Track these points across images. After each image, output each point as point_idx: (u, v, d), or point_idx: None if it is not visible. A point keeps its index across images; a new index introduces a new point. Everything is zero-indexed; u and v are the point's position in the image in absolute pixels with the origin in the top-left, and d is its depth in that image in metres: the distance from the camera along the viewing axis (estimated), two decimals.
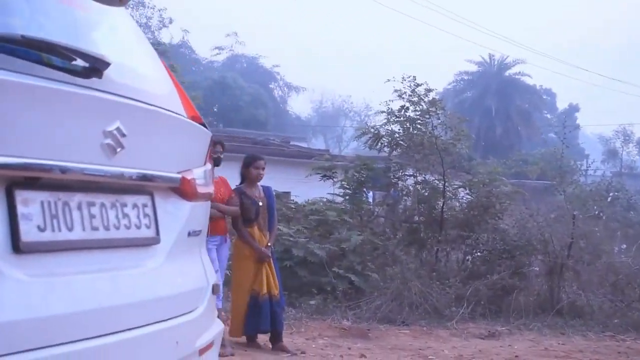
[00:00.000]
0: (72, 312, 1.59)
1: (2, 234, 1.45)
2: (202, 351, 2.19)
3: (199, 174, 2.25)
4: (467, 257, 10.29)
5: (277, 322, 6.05)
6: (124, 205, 1.89)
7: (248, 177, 6.23)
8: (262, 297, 5.97)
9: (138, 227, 1.93)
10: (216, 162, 6.16)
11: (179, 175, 2.11)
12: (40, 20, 1.76)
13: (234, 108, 37.76)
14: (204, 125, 2.38)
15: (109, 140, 1.74)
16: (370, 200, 12.46)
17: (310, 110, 60.07)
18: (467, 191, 11.08)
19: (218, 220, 5.94)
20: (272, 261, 6.19)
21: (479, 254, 10.21)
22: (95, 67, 1.69)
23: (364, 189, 11.60)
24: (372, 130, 11.67)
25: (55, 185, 1.63)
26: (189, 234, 2.20)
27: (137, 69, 2.14)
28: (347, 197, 11.24)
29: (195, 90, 13.52)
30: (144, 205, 1.98)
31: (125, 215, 1.89)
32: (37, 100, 1.55)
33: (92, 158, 1.70)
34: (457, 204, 10.89)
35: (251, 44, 67.19)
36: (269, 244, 6.17)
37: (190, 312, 2.13)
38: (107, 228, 1.79)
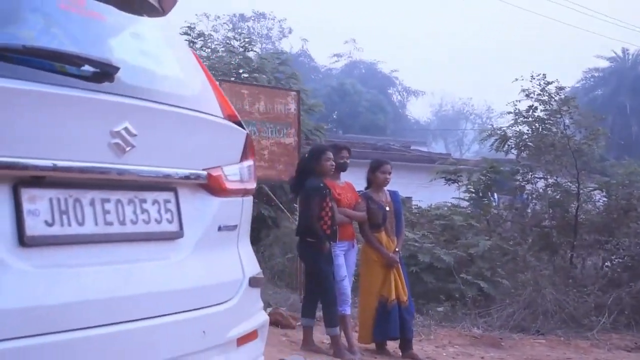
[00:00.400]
0: (80, 301, 1.69)
1: (8, 229, 1.59)
2: (240, 341, 2.25)
3: (231, 171, 2.31)
4: (606, 263, 9.66)
5: (407, 329, 5.93)
6: (143, 201, 1.98)
7: (374, 181, 6.18)
8: (390, 303, 5.88)
9: (159, 222, 2.01)
10: (342, 167, 6.18)
11: (204, 172, 2.17)
12: (56, 31, 1.88)
13: (352, 114, 37.96)
14: (240, 124, 2.44)
15: (117, 140, 1.83)
16: (495, 204, 12.05)
17: (430, 114, 59.30)
18: (604, 193, 10.42)
19: (345, 226, 5.93)
20: (400, 267, 6.09)
21: (619, 260, 9.54)
22: (104, 71, 1.81)
23: (490, 193, 11.23)
24: (499, 132, 11.29)
25: (65, 183, 1.75)
26: (220, 229, 2.26)
27: (157, 72, 2.24)
28: (472, 201, 10.93)
29: (314, 97, 13.63)
30: (166, 201, 2.06)
31: (144, 211, 1.98)
32: (40, 104, 1.67)
33: (99, 157, 1.79)
34: (593, 207, 10.27)
35: (369, 50, 67.06)
36: (397, 250, 6.08)
37: (221, 303, 2.19)
38: (122, 223, 1.89)
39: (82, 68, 1.79)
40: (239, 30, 20.08)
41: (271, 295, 8.16)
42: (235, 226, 2.36)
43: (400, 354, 6.00)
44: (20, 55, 1.65)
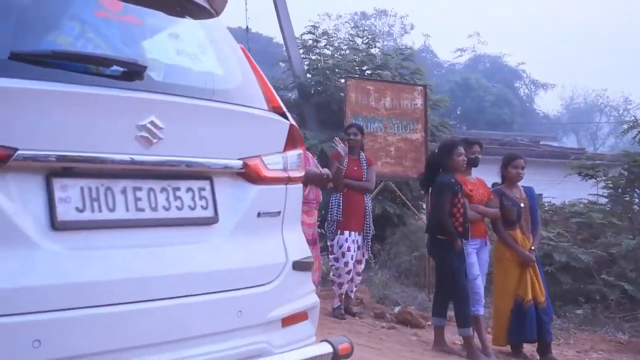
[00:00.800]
0: (110, 280, 1.90)
1: (41, 215, 1.82)
2: (286, 322, 2.40)
3: (272, 160, 2.45)
4: None
5: (545, 331, 5.61)
6: (177, 189, 2.15)
7: (507, 177, 5.92)
8: (526, 303, 5.59)
9: (192, 208, 2.18)
10: (473, 163, 5.97)
11: (240, 162, 2.32)
12: (91, 36, 2.08)
13: (477, 109, 36.96)
14: (284, 115, 2.56)
15: (143, 133, 2.01)
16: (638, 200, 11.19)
17: (560, 108, 56.49)
18: None
19: (477, 223, 5.73)
20: (536, 266, 5.79)
21: None
22: (132, 70, 2.02)
23: (633, 189, 10.44)
24: None
25: (95, 174, 1.95)
26: (260, 215, 2.40)
27: (192, 69, 2.42)
28: (612, 198, 10.21)
29: (437, 93, 13.34)
30: (201, 189, 2.22)
31: (177, 198, 2.15)
32: (68, 103, 1.88)
33: (126, 149, 1.98)
34: None
35: (494, 43, 65.21)
36: (533, 248, 5.78)
37: (261, 285, 2.33)
38: (154, 209, 2.07)
39: (111, 68, 2.01)
40: (362, 28, 20.06)
41: (398, 293, 8.06)
42: (279, 212, 2.49)
43: (538, 357, 5.70)
44: (54, 59, 1.89)
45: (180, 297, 2.06)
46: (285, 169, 2.51)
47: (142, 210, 2.05)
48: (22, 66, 1.84)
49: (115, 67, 2.02)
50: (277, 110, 2.57)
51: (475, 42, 46.98)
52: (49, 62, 1.89)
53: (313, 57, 12.88)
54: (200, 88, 2.31)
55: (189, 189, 2.19)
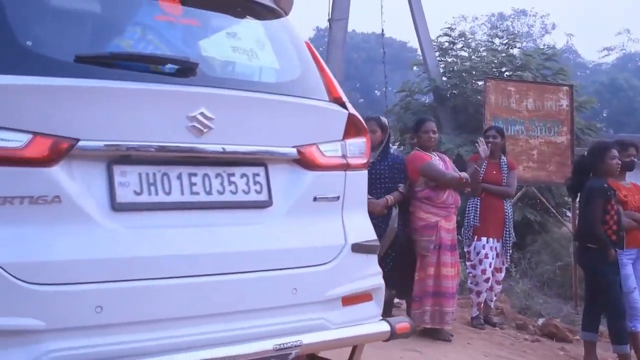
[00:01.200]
0: (165, 255, 2.12)
1: (103, 197, 2.07)
2: (347, 301, 2.52)
3: (330, 147, 2.57)
4: None
5: None
6: (231, 174, 2.33)
7: None
8: None
9: (246, 193, 2.35)
10: (629, 167, 5.55)
11: (294, 150, 2.46)
12: (151, 38, 2.34)
13: (626, 111, 34.59)
14: (343, 105, 2.68)
15: (194, 124, 2.20)
16: None
17: None
18: None
19: (633, 231, 5.30)
20: None
21: None
22: (185, 67, 2.25)
23: None
24: None
25: (152, 161, 2.17)
26: (316, 199, 2.53)
27: (247, 64, 2.60)
28: None
29: (582, 95, 12.53)
30: (255, 175, 2.39)
31: (232, 183, 2.33)
32: (124, 98, 2.12)
33: (178, 138, 2.18)
34: None
35: None
36: None
37: (317, 265, 2.46)
38: (209, 193, 2.27)
39: (166, 66, 2.25)
40: (500, 29, 19.42)
41: (541, 304, 7.63)
42: (337, 197, 2.60)
43: None
44: (114, 60, 2.16)
45: (232, 273, 2.24)
46: (344, 156, 2.63)
47: (197, 193, 2.25)
48: (87, 67, 2.10)
49: (169, 65, 2.26)
50: (337, 100, 2.70)
51: (625, 39, 43.96)
52: (109, 63, 2.15)
53: (449, 60, 12.64)
54: (255, 82, 2.58)
55: (243, 175, 2.37)
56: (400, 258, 5.17)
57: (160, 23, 2.40)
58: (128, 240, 2.08)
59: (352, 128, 2.68)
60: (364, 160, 2.73)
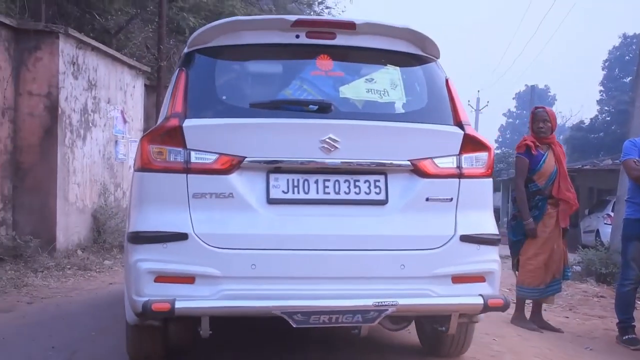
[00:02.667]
0: (300, 234, 3.20)
1: (262, 194, 3.21)
2: (456, 279, 3.29)
3: (444, 160, 3.38)
4: None
5: None
6: (357, 180, 3.30)
7: None
8: None
9: (367, 194, 3.30)
10: None
11: (408, 162, 3.32)
12: (306, 87, 3.43)
13: None
14: (460, 126, 3.46)
15: (324, 145, 3.23)
16: None
17: None
18: None
19: None
20: None
21: None
22: (322, 106, 3.38)
23: None
24: None
25: (297, 170, 3.26)
26: (428, 199, 3.34)
27: (376, 101, 3.52)
28: None
29: None
30: (376, 181, 3.32)
31: (357, 186, 3.30)
32: (278, 128, 3.28)
33: (313, 155, 3.23)
34: None
35: None
36: None
37: (425, 249, 3.29)
38: (337, 193, 3.28)
39: (310, 106, 3.40)
40: None
41: None
42: (451, 199, 3.37)
43: None
44: (275, 104, 3.42)
45: (352, 250, 3.22)
46: (458, 167, 3.40)
47: (328, 193, 3.28)
48: (254, 110, 3.38)
49: (310, 106, 3.40)
50: (460, 124, 3.48)
51: None
52: (268, 105, 3.41)
53: None
54: (380, 113, 3.50)
55: (366, 181, 3.32)
56: None
57: (314, 77, 3.48)
58: (276, 222, 3.20)
59: (469, 145, 3.43)
60: (482, 170, 3.47)
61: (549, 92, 65.56)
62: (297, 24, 3.45)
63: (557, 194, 5.53)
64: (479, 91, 52.22)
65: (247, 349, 4.27)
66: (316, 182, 3.28)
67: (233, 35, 3.50)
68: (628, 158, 5.29)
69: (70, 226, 9.25)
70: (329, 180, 3.29)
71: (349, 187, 3.30)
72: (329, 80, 3.50)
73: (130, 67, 11.50)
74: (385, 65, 3.65)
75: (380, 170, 3.32)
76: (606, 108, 46.53)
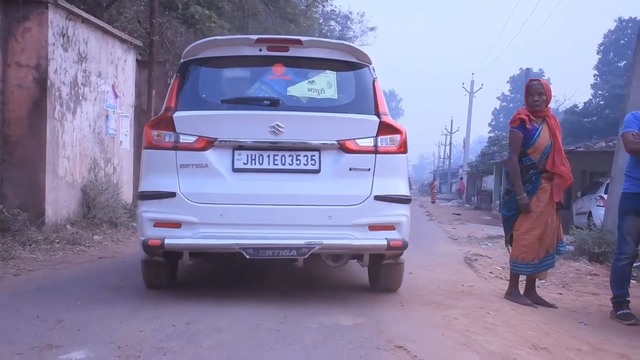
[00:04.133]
0: (258, 194, 4.45)
1: (229, 165, 4.52)
2: (372, 228, 4.51)
3: (364, 141, 4.61)
4: None
5: None
6: (298, 155, 4.56)
7: None
8: None
9: (305, 165, 4.56)
10: None
11: (335, 142, 4.58)
12: (263, 88, 4.75)
13: None
14: (379, 115, 4.70)
15: (273, 129, 4.49)
16: None
17: None
18: None
19: None
20: None
21: None
22: (273, 101, 4.69)
23: None
24: None
25: (253, 148, 4.52)
26: (351, 169, 4.58)
27: (314, 97, 4.76)
28: None
29: None
30: (312, 155, 4.58)
31: (298, 159, 4.56)
32: (241, 117, 4.61)
33: (265, 137, 4.50)
34: None
35: None
36: None
37: (347, 205, 4.51)
38: (283, 164, 4.53)
39: (264, 102, 4.71)
40: None
41: None
42: (369, 169, 4.59)
43: None
44: (237, 101, 4.73)
45: (292, 205, 4.49)
46: (375, 146, 4.62)
47: (277, 164, 4.57)
48: (225, 104, 4.70)
49: (266, 101, 4.72)
50: (379, 114, 4.70)
51: None
52: (235, 101, 4.72)
53: None
54: (315, 106, 4.71)
55: (305, 155, 4.59)
56: None
57: (270, 80, 4.80)
58: (238, 185, 4.51)
59: (384, 129, 4.66)
60: (395, 148, 4.66)
61: (543, 75, 65.54)
62: (259, 41, 4.79)
63: (552, 168, 5.45)
64: (473, 74, 52.10)
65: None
66: (268, 156, 4.59)
67: (213, 49, 4.88)
68: (627, 131, 5.21)
69: (60, 200, 9.12)
70: (277, 155, 4.58)
71: (292, 160, 4.58)
72: (281, 82, 4.81)
73: (122, 40, 11.31)
74: (324, 70, 4.91)
75: (315, 147, 4.61)
76: (600, 92, 46.54)
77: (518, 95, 64.33)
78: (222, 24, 16.94)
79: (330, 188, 4.51)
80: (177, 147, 4.50)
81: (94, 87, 10.24)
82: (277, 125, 4.49)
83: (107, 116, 10.77)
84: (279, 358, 3.43)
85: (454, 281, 6.58)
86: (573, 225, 13.23)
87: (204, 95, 4.77)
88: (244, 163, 4.52)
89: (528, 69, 35.34)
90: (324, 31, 41.83)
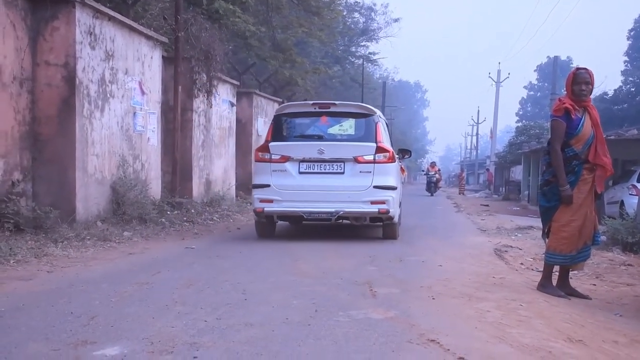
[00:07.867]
0: (310, 184, 9.05)
1: (297, 170, 9.17)
2: (373, 203, 8.95)
3: (368, 157, 9.01)
4: None
5: None
6: (332, 165, 9.06)
7: None
8: None
9: (336, 170, 9.06)
10: None
11: (352, 157, 8.99)
12: (314, 129, 9.50)
13: None
14: (377, 143, 9.13)
15: (319, 151, 9.07)
16: None
17: None
18: None
19: None
20: None
21: None
22: (319, 136, 9.37)
23: None
24: None
25: (310, 161, 9.10)
26: (361, 172, 8.98)
27: (342, 133, 9.37)
28: None
29: None
30: (340, 165, 9.04)
31: (332, 166, 9.04)
32: (303, 145, 9.30)
33: (315, 155, 9.08)
34: None
35: None
36: None
37: (359, 191, 8.93)
38: (325, 170, 9.07)
39: (315, 136, 9.38)
40: None
41: None
42: (370, 171, 8.98)
43: None
44: (300, 137, 9.56)
45: (329, 191, 8.95)
46: (373, 159, 9.00)
47: (321, 169, 9.05)
48: (296, 138, 9.45)
49: (316, 136, 9.33)
50: (378, 142, 9.11)
51: None
52: (300, 137, 9.46)
53: None
54: (343, 138, 9.27)
55: (336, 165, 9.03)
56: None
57: (319, 125, 9.37)
58: (302, 180, 9.03)
59: (379, 150, 9.02)
60: (386, 160, 9.06)
61: (572, 63, 64.45)
62: (314, 104, 9.48)
63: (594, 159, 5.35)
64: (499, 63, 51.42)
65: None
66: (317, 165, 9.01)
67: (290, 108, 9.69)
68: None
69: (90, 197, 9.24)
70: (321, 165, 9.00)
71: (329, 167, 8.98)
72: (325, 126, 9.31)
73: (148, 37, 11.39)
74: (348, 118, 9.36)
75: (342, 160, 8.96)
76: (631, 79, 45.61)
77: (546, 84, 63.41)
78: (247, 18, 16.97)
79: (349, 182, 8.96)
80: (271, 160, 9.08)
81: (121, 84, 10.33)
82: (321, 149, 9.00)
83: (134, 113, 10.87)
84: (311, 352, 3.41)
85: (485, 273, 6.51)
86: (605, 215, 13.01)
87: (284, 133, 9.42)
88: (305, 169, 9.06)
89: (556, 57, 34.80)
90: (347, 23, 41.65)
